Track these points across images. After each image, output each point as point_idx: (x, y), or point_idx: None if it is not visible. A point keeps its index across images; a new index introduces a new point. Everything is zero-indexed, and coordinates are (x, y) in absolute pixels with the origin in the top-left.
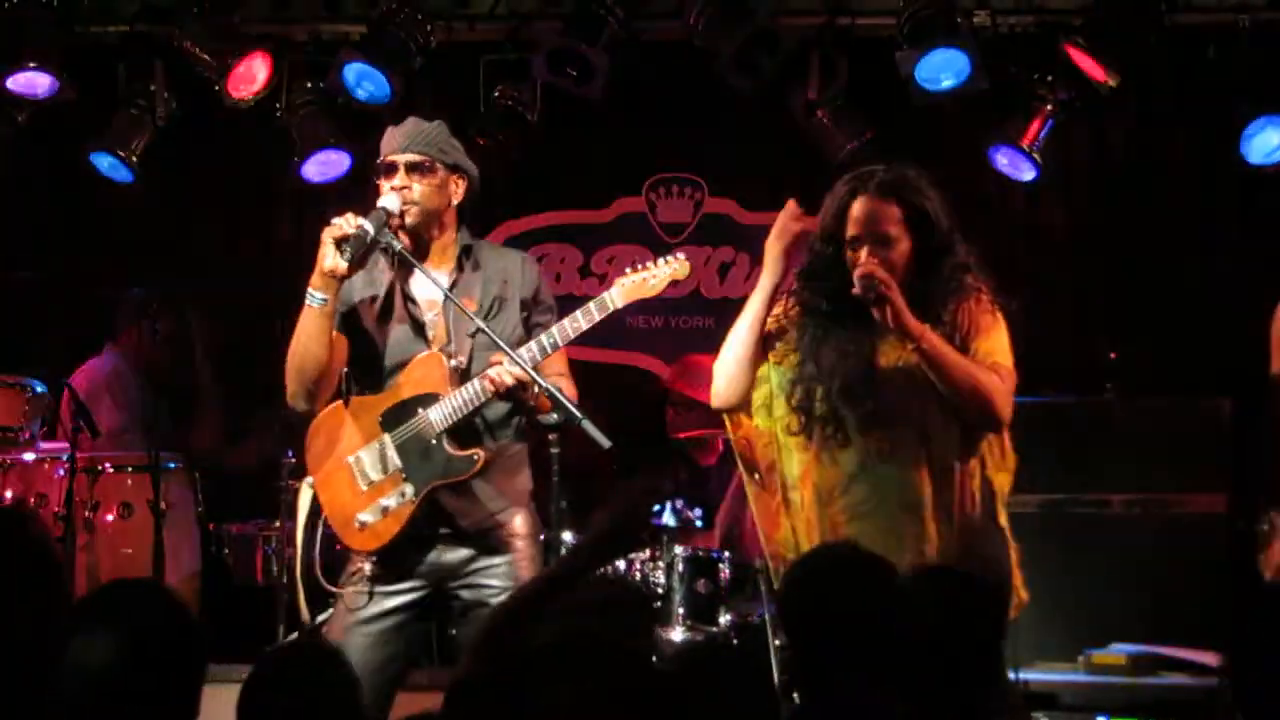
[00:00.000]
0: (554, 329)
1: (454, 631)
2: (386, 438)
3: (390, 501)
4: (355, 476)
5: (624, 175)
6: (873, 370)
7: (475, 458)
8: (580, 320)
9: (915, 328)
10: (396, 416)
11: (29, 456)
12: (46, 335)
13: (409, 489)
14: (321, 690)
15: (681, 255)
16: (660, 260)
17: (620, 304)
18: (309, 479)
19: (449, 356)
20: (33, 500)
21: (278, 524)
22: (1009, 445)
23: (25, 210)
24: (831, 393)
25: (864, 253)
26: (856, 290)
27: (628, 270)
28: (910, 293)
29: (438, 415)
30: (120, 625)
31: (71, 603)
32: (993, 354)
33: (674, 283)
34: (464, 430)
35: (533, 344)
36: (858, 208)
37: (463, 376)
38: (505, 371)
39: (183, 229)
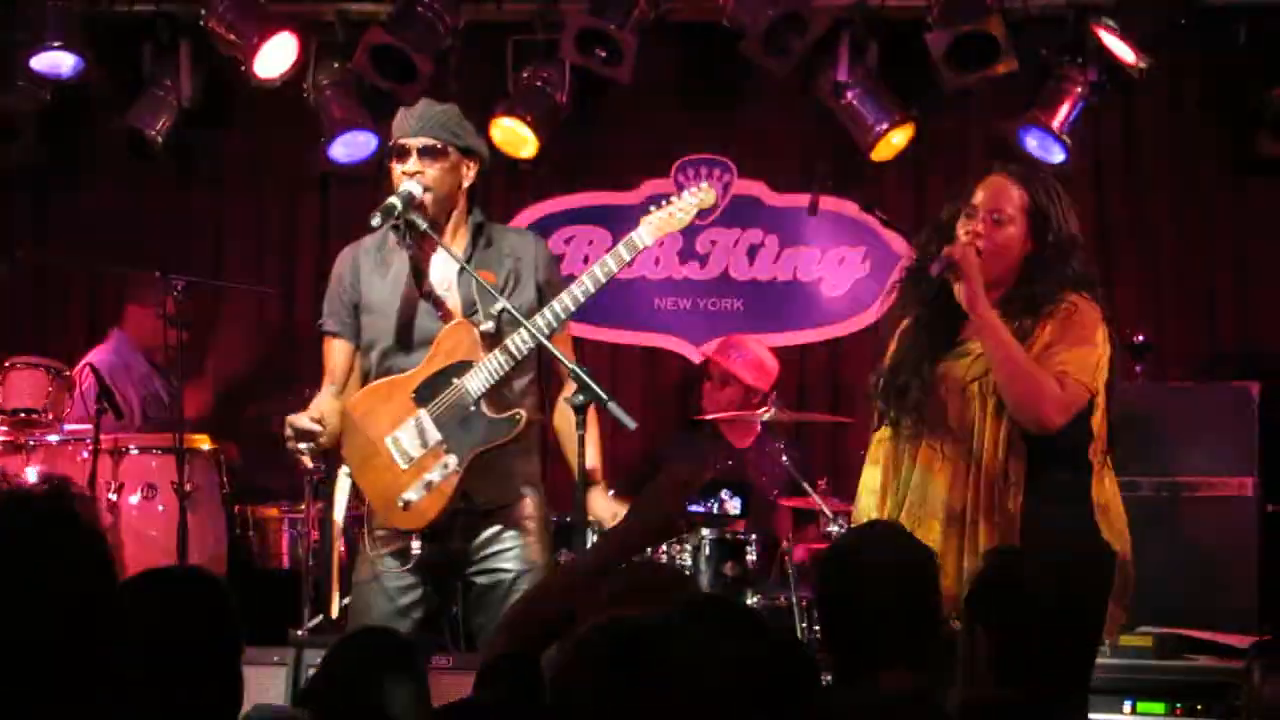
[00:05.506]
0: (585, 275)
1: (470, 617)
2: (422, 412)
3: (434, 476)
4: (395, 457)
5: (652, 156)
6: (929, 378)
7: (517, 418)
8: (611, 264)
9: (984, 312)
10: (430, 390)
11: (53, 438)
12: (66, 317)
13: (452, 460)
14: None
15: (705, 184)
16: (685, 192)
17: (649, 241)
18: (344, 468)
19: (476, 324)
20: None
21: (303, 507)
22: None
23: (48, 191)
24: (890, 394)
25: (975, 224)
26: (934, 268)
27: (652, 208)
28: (1013, 293)
29: (475, 382)
30: (161, 606)
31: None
32: (1066, 364)
33: (702, 211)
34: (500, 396)
35: (575, 287)
36: (988, 181)
37: (492, 341)
38: None
39: (208, 210)
